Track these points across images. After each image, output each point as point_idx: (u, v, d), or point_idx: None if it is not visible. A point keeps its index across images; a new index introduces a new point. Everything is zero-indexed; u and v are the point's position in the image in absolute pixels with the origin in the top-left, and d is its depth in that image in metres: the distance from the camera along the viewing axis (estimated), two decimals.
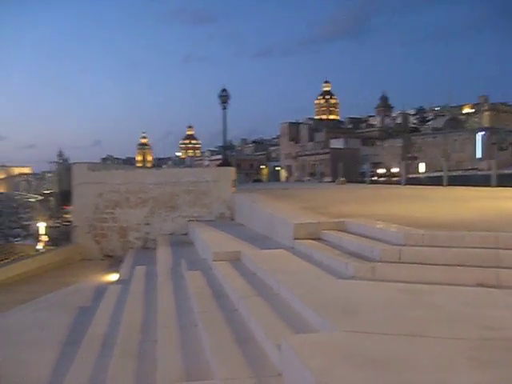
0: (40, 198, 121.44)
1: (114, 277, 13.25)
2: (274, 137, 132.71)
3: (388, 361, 3.90)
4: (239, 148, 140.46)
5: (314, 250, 8.45)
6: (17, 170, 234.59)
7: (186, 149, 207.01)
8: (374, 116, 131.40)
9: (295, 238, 9.37)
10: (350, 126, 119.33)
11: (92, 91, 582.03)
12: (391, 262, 6.95)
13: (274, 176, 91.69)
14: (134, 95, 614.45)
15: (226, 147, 26.27)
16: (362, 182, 33.91)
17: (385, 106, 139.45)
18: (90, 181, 18.38)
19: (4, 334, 8.39)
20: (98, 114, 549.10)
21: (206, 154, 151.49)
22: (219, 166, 22.47)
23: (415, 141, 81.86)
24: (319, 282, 6.66)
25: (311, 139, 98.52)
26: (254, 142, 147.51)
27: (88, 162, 20.14)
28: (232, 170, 18.53)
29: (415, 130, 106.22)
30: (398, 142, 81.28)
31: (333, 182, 38.42)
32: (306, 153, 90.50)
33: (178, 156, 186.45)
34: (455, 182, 22.73)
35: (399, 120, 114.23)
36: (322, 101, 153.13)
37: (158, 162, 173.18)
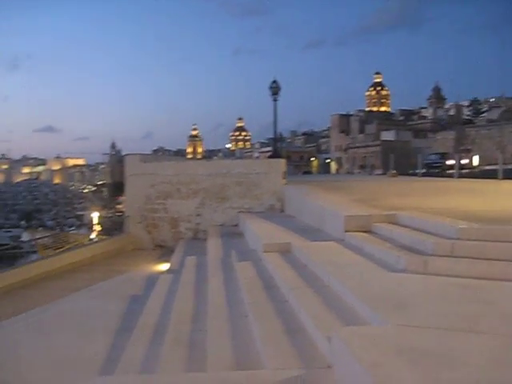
0: (93, 188, 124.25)
1: (164, 266, 13.42)
2: (325, 129, 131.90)
3: (441, 356, 3.84)
4: (289, 140, 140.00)
5: (364, 242, 8.38)
6: (71, 162, 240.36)
7: (236, 141, 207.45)
8: (426, 108, 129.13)
9: (346, 231, 9.30)
10: (402, 118, 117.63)
11: (143, 84, 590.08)
12: (444, 256, 6.83)
13: (324, 168, 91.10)
14: (184, 88, 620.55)
15: (277, 139, 26.19)
16: (414, 174, 33.31)
17: (437, 97, 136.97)
18: (142, 172, 18.65)
19: (60, 320, 8.61)
20: (150, 107, 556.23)
21: (256, 145, 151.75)
22: (269, 157, 22.44)
23: (469, 133, 79.81)
24: (370, 274, 6.60)
25: (362, 131, 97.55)
26: (304, 133, 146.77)
27: (140, 154, 20.43)
28: (282, 161, 18.48)
29: (469, 121, 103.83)
30: (451, 135, 79.50)
31: (384, 174, 37.90)
32: (357, 145, 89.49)
33: (227, 148, 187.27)
34: (511, 175, 22.08)
35: (452, 112, 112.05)
36: (373, 92, 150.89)
37: (209, 154, 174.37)
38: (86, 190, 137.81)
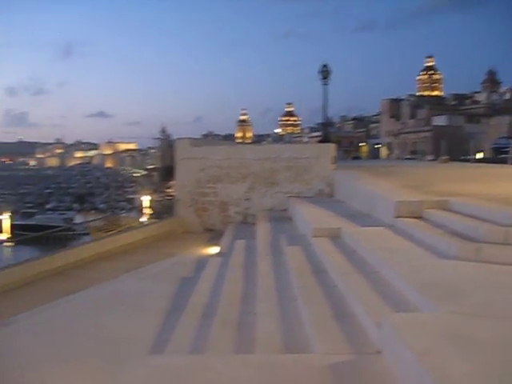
0: (144, 172, 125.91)
1: (214, 250, 13.54)
2: (375, 114, 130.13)
3: (493, 344, 3.78)
4: (339, 125, 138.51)
5: (415, 228, 8.28)
6: (123, 146, 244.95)
7: (285, 125, 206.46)
8: (480, 92, 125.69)
9: (396, 216, 9.20)
10: (454, 103, 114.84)
11: (193, 69, 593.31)
12: (497, 244, 6.69)
13: (374, 153, 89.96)
14: (234, 72, 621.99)
15: (326, 124, 26.00)
16: (466, 160, 32.53)
17: (492, 81, 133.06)
18: (192, 156, 18.79)
19: (112, 300, 8.81)
20: (199, 92, 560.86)
21: (305, 130, 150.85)
22: (319, 142, 22.31)
23: None
24: (420, 261, 6.53)
25: (413, 116, 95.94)
26: (353, 118, 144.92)
27: (190, 138, 20.57)
28: (332, 146, 18.33)
29: None
30: (506, 120, 77.40)
31: (435, 160, 37.22)
32: (408, 130, 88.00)
33: (276, 133, 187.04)
34: None
35: (508, 96, 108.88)
36: (425, 76, 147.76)
37: (258, 139, 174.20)
38: (136, 174, 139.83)
